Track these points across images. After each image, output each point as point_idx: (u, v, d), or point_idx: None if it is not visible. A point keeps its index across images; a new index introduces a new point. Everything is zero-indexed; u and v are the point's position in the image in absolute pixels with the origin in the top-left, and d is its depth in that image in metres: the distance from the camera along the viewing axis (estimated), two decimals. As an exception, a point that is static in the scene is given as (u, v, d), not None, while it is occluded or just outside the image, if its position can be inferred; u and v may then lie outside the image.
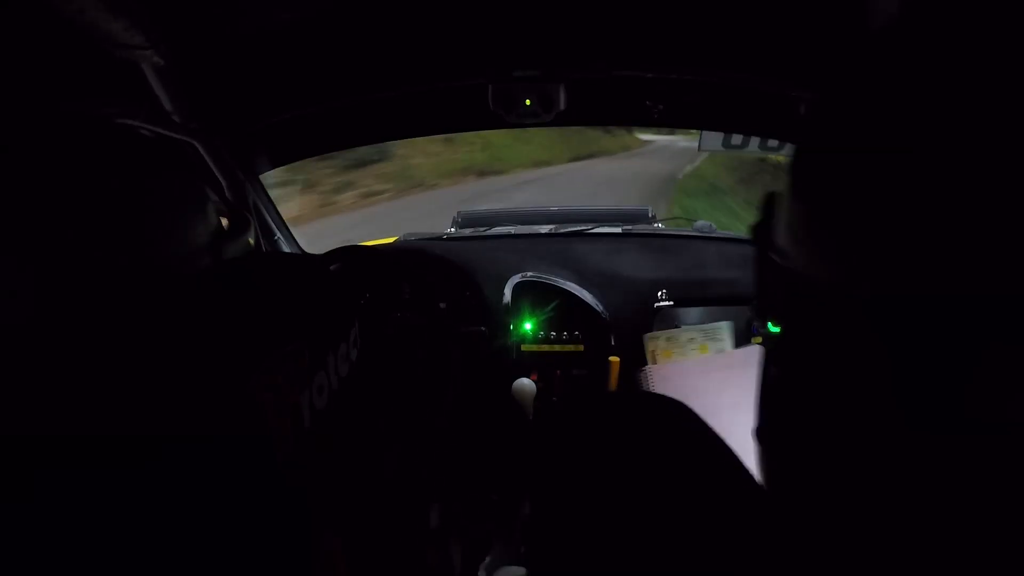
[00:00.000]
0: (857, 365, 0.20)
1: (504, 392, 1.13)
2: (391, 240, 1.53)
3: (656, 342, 1.14)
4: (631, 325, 1.18)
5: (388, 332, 1.10)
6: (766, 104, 1.04)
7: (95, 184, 0.37)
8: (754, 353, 1.11)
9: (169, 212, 0.41)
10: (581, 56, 0.96)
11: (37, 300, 0.34)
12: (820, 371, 0.23)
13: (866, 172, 0.19)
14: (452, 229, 1.68)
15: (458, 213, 1.81)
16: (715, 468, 0.31)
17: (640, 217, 1.71)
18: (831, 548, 0.23)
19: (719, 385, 1.08)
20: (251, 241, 0.53)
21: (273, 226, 1.29)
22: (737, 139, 1.21)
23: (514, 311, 1.19)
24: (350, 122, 1.18)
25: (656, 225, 1.65)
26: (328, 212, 6.58)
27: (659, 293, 1.21)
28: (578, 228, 1.45)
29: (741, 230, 1.43)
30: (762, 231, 0.27)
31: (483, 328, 1.17)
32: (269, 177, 1.28)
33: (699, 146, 1.27)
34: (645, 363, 1.14)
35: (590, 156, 14.18)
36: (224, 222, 0.49)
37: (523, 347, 1.20)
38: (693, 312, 1.20)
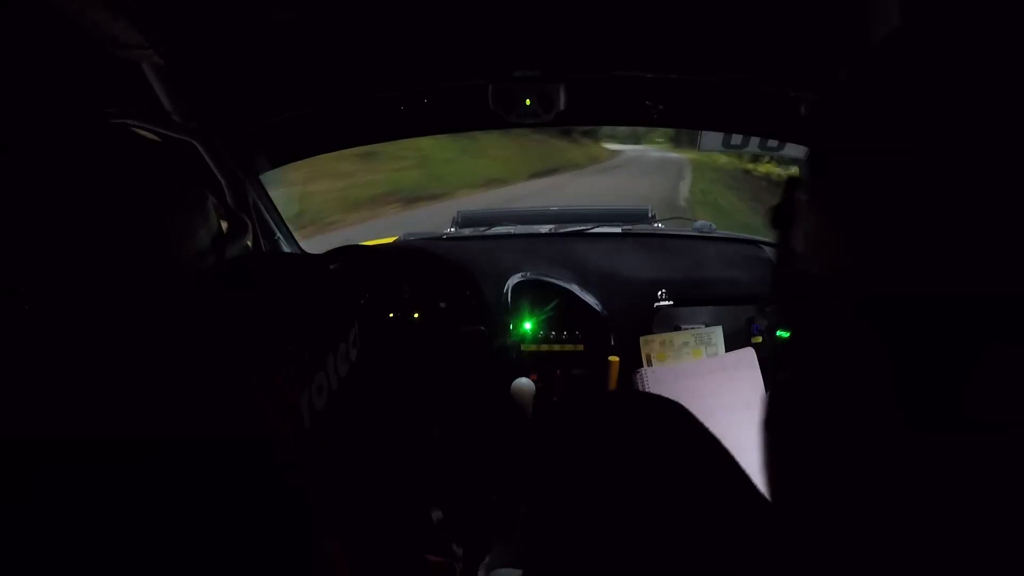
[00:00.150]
0: (857, 365, 0.20)
1: (504, 392, 1.13)
2: (391, 240, 1.54)
3: (651, 345, 1.15)
4: (631, 325, 1.18)
5: (388, 332, 1.10)
6: (766, 104, 1.04)
7: (95, 184, 0.37)
8: (746, 356, 1.11)
9: (169, 212, 0.41)
10: (581, 56, 0.96)
11: (37, 300, 0.34)
12: (822, 371, 0.23)
13: (866, 172, 0.19)
14: (452, 229, 1.68)
15: (458, 213, 1.81)
16: (712, 468, 0.31)
17: (640, 217, 1.71)
18: (831, 547, 0.23)
19: (712, 387, 1.09)
20: (249, 243, 0.53)
21: (273, 226, 1.29)
22: (737, 139, 1.21)
23: (514, 311, 1.19)
24: (350, 122, 1.18)
25: (656, 225, 1.65)
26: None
27: (659, 293, 1.21)
28: (578, 228, 1.45)
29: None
30: (781, 216, 0.27)
31: (483, 328, 1.17)
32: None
33: (699, 146, 1.27)
34: (642, 364, 1.14)
35: (553, 171, 12.27)
36: (224, 222, 0.49)
37: (523, 347, 1.20)
38: (693, 312, 1.20)
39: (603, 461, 0.32)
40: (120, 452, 0.31)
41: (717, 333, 1.15)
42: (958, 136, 0.17)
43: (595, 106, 1.14)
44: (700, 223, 1.51)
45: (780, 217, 0.27)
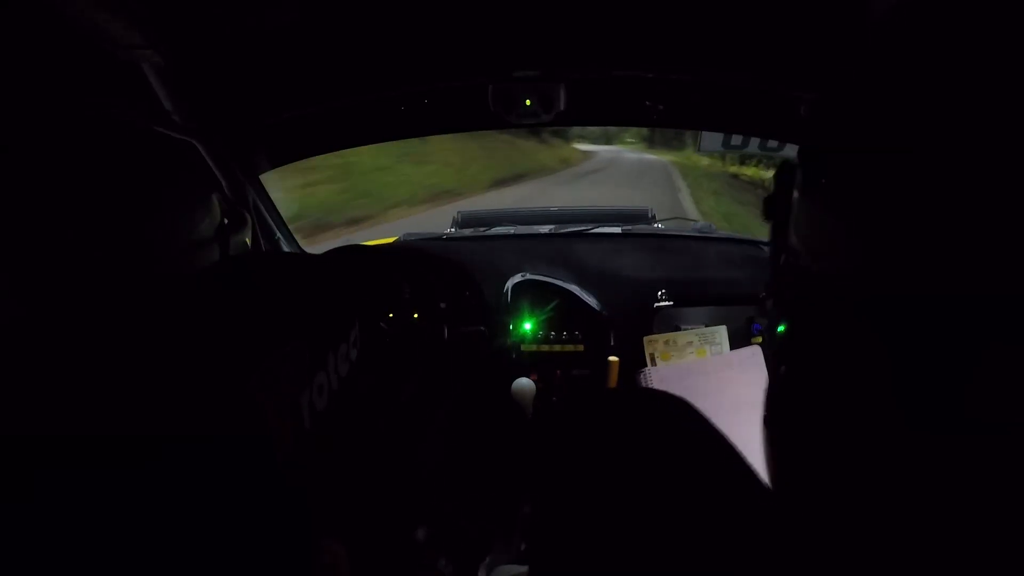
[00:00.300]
0: (857, 365, 0.20)
1: (504, 392, 1.13)
2: (391, 240, 1.54)
3: (655, 345, 1.15)
4: (631, 325, 1.18)
5: (388, 332, 1.10)
6: (766, 104, 1.04)
7: (94, 184, 0.37)
8: (752, 354, 1.11)
9: (169, 212, 0.41)
10: (581, 56, 0.96)
11: (37, 300, 0.34)
12: (822, 370, 0.23)
13: (866, 172, 0.19)
14: (452, 229, 1.68)
15: (458, 213, 1.81)
16: (717, 466, 0.31)
17: (640, 217, 1.71)
18: (832, 545, 0.23)
19: (717, 386, 1.08)
20: (248, 241, 0.53)
21: (273, 226, 1.29)
22: (737, 139, 1.21)
23: (514, 311, 1.20)
24: (350, 122, 1.18)
25: (656, 225, 1.65)
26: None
27: (659, 293, 1.21)
28: (578, 228, 1.45)
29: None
30: (775, 206, 0.27)
31: (483, 328, 1.17)
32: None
33: (699, 146, 1.27)
34: (645, 364, 1.14)
35: (521, 178, 10.50)
36: (224, 222, 0.49)
37: (523, 347, 1.20)
38: (693, 312, 1.20)
39: (607, 458, 0.32)
40: (120, 452, 0.31)
41: (722, 332, 1.15)
42: (958, 136, 0.17)
43: (595, 106, 1.14)
44: (700, 223, 1.52)
45: (774, 208, 0.27)
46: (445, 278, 1.19)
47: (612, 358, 1.16)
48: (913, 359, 0.18)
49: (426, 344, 1.13)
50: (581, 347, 1.20)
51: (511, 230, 1.53)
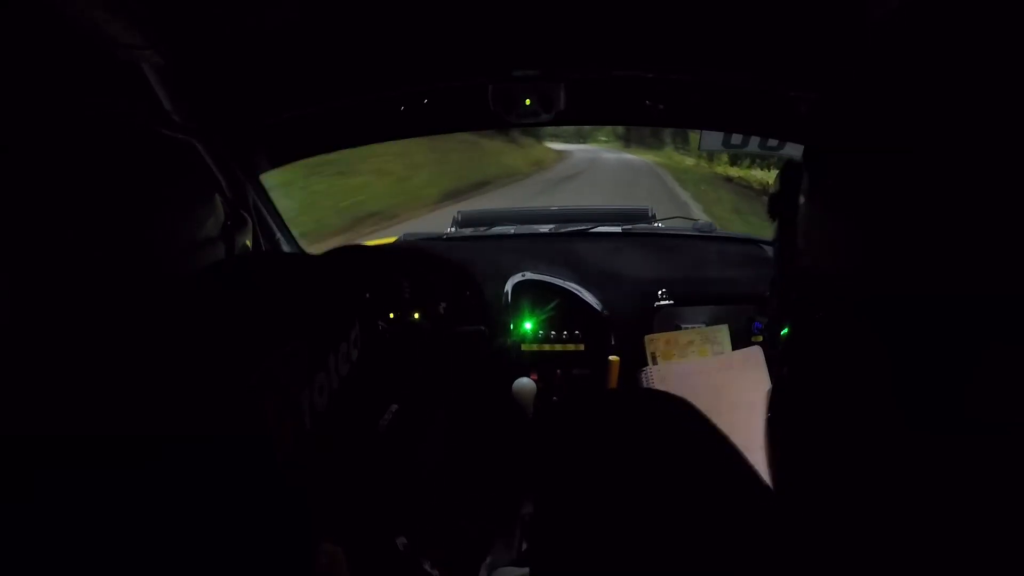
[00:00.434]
0: (857, 364, 0.20)
1: (504, 392, 1.13)
2: (391, 240, 1.54)
3: (656, 344, 1.14)
4: (631, 324, 1.18)
5: (388, 332, 1.10)
6: (766, 104, 1.04)
7: (95, 185, 0.37)
8: (753, 354, 1.11)
9: (169, 213, 0.41)
10: (581, 56, 0.96)
11: (38, 300, 0.34)
12: (825, 370, 0.23)
13: (866, 172, 0.19)
14: (452, 229, 1.68)
15: (458, 212, 1.81)
16: (719, 466, 0.31)
17: (640, 216, 1.71)
18: (833, 545, 0.23)
19: (718, 386, 1.08)
20: (248, 243, 0.53)
21: (273, 226, 1.29)
22: (737, 139, 1.21)
23: (514, 311, 1.20)
24: (350, 122, 1.18)
25: (656, 225, 1.65)
26: None
27: (659, 292, 1.21)
28: (578, 227, 1.45)
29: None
30: (779, 205, 0.27)
31: (483, 328, 1.17)
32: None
33: (699, 146, 1.27)
34: (645, 364, 1.14)
35: (481, 187, 8.70)
36: (224, 223, 0.49)
37: (523, 347, 1.20)
38: (693, 311, 1.20)
39: (610, 458, 0.32)
40: (120, 452, 0.31)
41: (723, 332, 1.15)
42: (958, 137, 0.17)
43: (595, 106, 1.14)
44: (701, 222, 1.52)
45: (779, 206, 0.27)
46: (445, 278, 1.19)
47: (612, 357, 1.16)
48: (913, 359, 0.18)
49: (426, 344, 1.13)
50: (581, 347, 1.20)
51: (511, 230, 1.53)
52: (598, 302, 1.20)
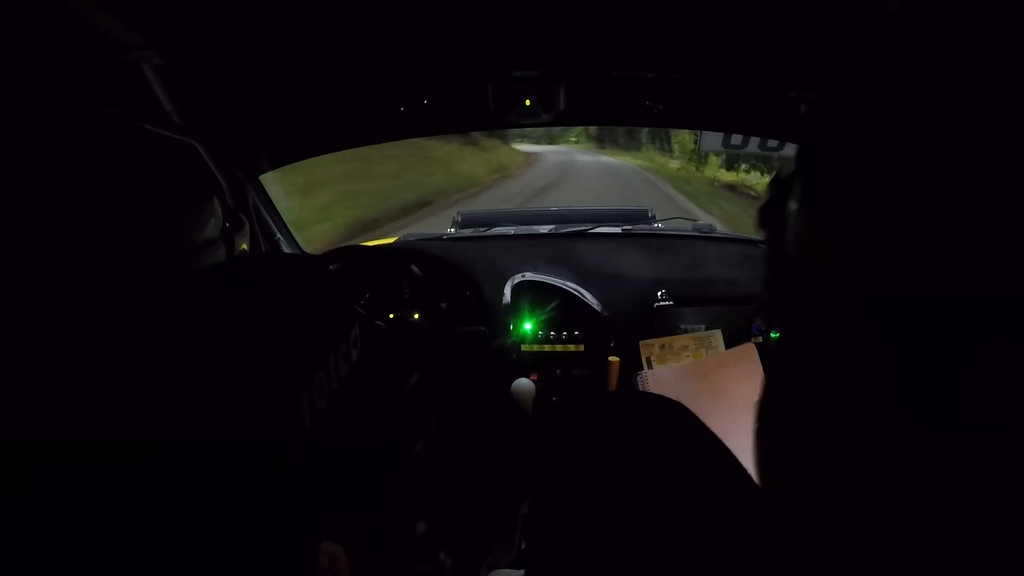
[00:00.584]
0: (857, 365, 0.20)
1: (504, 392, 1.13)
2: (391, 240, 1.54)
3: (651, 349, 1.15)
4: (631, 325, 1.18)
5: (388, 332, 1.10)
6: (766, 104, 1.04)
7: (94, 185, 0.37)
8: (747, 352, 1.11)
9: (168, 213, 0.41)
10: (581, 56, 0.96)
11: (38, 301, 0.34)
12: (820, 371, 0.23)
13: (866, 172, 0.19)
14: (452, 229, 1.68)
15: (458, 213, 1.81)
16: (714, 469, 0.31)
17: (640, 217, 1.71)
18: (830, 548, 0.23)
19: (714, 386, 1.08)
20: (244, 246, 0.53)
21: (273, 226, 1.29)
22: (737, 139, 1.21)
23: (514, 311, 1.20)
24: (350, 122, 1.18)
25: (656, 225, 1.65)
26: None
27: (659, 293, 1.21)
28: (578, 228, 1.45)
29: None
30: (770, 216, 0.27)
31: (483, 328, 1.17)
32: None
33: (699, 146, 1.27)
34: (641, 367, 1.14)
35: (415, 209, 6.64)
36: (224, 223, 0.49)
37: (523, 347, 1.20)
38: (693, 312, 1.20)
39: (605, 461, 0.32)
40: (121, 452, 0.31)
41: (717, 336, 1.15)
42: (958, 135, 0.17)
43: (595, 106, 1.14)
44: (700, 223, 1.52)
45: (769, 217, 0.27)
46: (445, 278, 1.19)
47: (612, 358, 1.16)
48: (913, 359, 0.18)
49: (426, 344, 1.13)
50: (581, 347, 1.20)
51: (511, 230, 1.53)
52: (598, 303, 1.20)
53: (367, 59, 0.95)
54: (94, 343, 0.34)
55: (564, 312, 1.20)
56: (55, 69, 0.67)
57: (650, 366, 1.14)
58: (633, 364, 1.15)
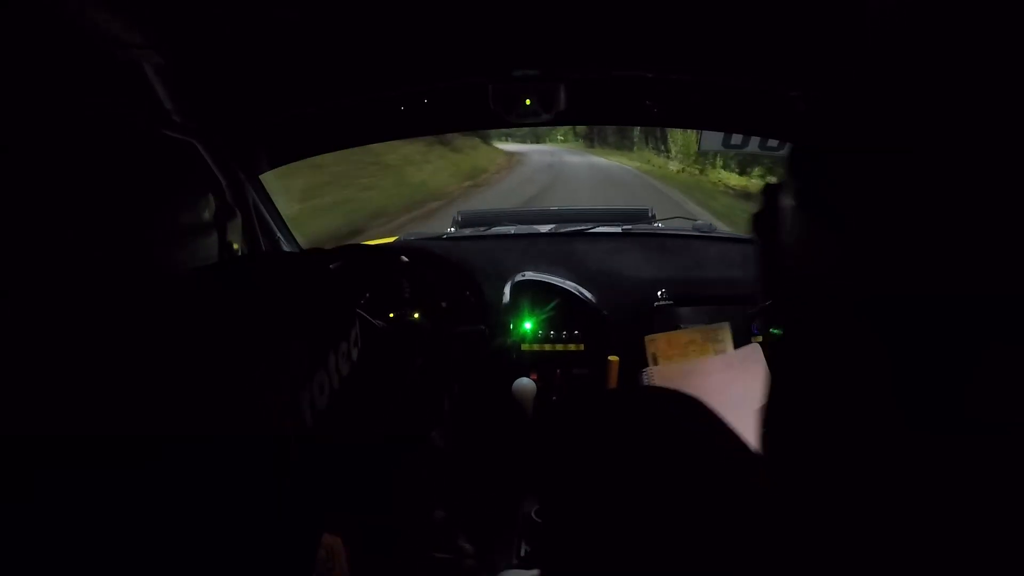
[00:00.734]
0: (857, 365, 0.20)
1: (504, 392, 1.13)
2: (391, 240, 1.54)
3: (656, 344, 1.14)
4: (631, 324, 1.18)
5: (388, 331, 1.10)
6: (766, 104, 1.04)
7: (95, 185, 0.37)
8: (753, 352, 1.11)
9: (169, 213, 0.41)
10: (581, 56, 0.96)
11: (38, 300, 0.34)
12: (821, 371, 0.23)
13: (866, 172, 0.19)
14: (452, 229, 1.68)
15: (458, 213, 1.81)
16: (732, 463, 0.30)
17: (640, 217, 1.71)
18: (835, 545, 0.23)
19: (719, 386, 1.08)
20: (247, 241, 0.53)
21: (273, 226, 1.29)
22: (737, 139, 1.21)
23: (514, 310, 1.20)
24: (350, 122, 1.18)
25: (656, 225, 1.65)
26: None
27: (659, 293, 1.21)
28: (578, 228, 1.45)
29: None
30: (765, 221, 0.27)
31: (483, 327, 1.17)
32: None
33: (699, 146, 1.27)
34: (645, 364, 1.14)
35: (353, 236, 4.17)
36: (224, 223, 0.49)
37: (523, 347, 1.20)
38: (693, 311, 1.20)
39: (620, 457, 0.31)
40: (120, 452, 0.31)
41: (725, 330, 1.14)
42: (958, 136, 0.17)
43: (595, 106, 1.14)
44: (700, 223, 1.52)
45: (764, 222, 0.27)
46: (445, 278, 1.19)
47: (612, 358, 1.16)
48: (913, 359, 0.18)
49: (426, 343, 1.13)
50: (581, 346, 1.20)
51: (511, 229, 1.53)
52: (598, 302, 1.20)
53: (367, 59, 0.95)
54: (94, 342, 0.34)
55: (564, 311, 1.20)
56: (55, 69, 0.67)
57: (655, 362, 1.14)
58: (633, 363, 1.15)
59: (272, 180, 1.22)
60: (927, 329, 0.17)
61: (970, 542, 0.19)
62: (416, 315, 1.16)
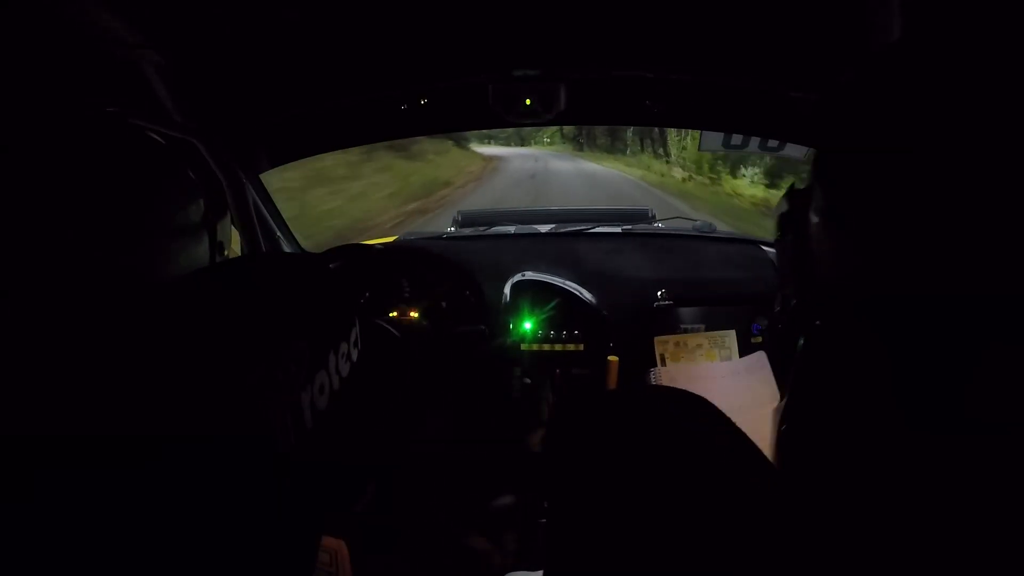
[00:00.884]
0: (857, 365, 0.20)
1: (504, 391, 1.13)
2: (391, 239, 1.54)
3: (666, 346, 1.14)
4: (631, 325, 1.18)
5: (388, 331, 1.10)
6: (766, 104, 1.04)
7: (95, 185, 0.37)
8: (758, 361, 1.10)
9: (169, 213, 0.41)
10: (581, 56, 0.96)
11: (37, 300, 0.34)
12: (830, 374, 0.23)
13: (866, 172, 0.19)
14: (452, 228, 1.68)
15: (458, 212, 1.81)
16: (736, 463, 0.30)
17: (640, 217, 1.71)
18: (838, 545, 0.23)
19: (724, 390, 1.08)
20: (247, 241, 0.53)
21: (273, 226, 1.29)
22: (737, 139, 1.21)
23: (514, 310, 1.20)
24: (350, 121, 1.18)
25: (656, 225, 1.65)
26: None
27: (659, 293, 1.21)
28: (578, 227, 1.45)
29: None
30: (787, 224, 0.27)
31: (483, 327, 1.17)
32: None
33: (699, 146, 1.27)
34: (647, 363, 1.14)
35: None
36: (224, 222, 0.49)
37: (523, 346, 1.20)
38: (693, 312, 1.20)
39: (629, 457, 0.31)
40: (120, 452, 0.31)
41: (731, 337, 1.15)
42: (958, 137, 0.17)
43: (595, 106, 1.14)
44: (700, 223, 1.52)
45: (787, 225, 0.27)
46: (445, 278, 1.19)
47: (612, 358, 1.16)
48: (913, 359, 0.18)
49: (426, 343, 1.13)
50: (581, 346, 1.20)
51: (511, 229, 1.53)
52: (598, 302, 1.20)
53: (367, 59, 0.95)
54: (94, 342, 0.34)
55: (564, 311, 1.20)
56: (55, 68, 0.67)
57: (663, 363, 1.14)
58: (633, 363, 1.15)
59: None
60: (927, 329, 0.17)
61: (970, 541, 0.19)
62: (416, 315, 1.16)
